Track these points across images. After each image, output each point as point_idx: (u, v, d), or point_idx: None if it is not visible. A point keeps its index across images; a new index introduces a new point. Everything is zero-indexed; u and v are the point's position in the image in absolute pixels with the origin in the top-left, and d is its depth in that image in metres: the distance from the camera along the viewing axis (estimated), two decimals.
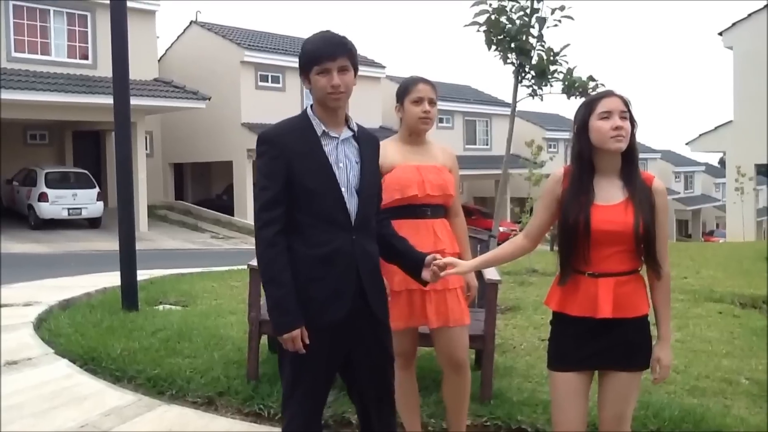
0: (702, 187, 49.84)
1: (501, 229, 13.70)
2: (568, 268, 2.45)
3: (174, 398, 4.10)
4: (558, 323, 2.53)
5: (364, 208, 2.47)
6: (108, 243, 14.66)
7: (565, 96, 10.09)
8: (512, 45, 9.55)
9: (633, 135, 2.42)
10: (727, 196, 24.57)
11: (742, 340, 5.52)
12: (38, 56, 18.64)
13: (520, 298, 6.94)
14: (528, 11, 9.46)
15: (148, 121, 20.92)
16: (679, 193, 45.02)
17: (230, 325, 5.51)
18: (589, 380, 2.50)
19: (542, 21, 9.51)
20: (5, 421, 3.70)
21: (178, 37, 26.66)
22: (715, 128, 23.43)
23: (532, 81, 9.92)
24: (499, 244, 2.86)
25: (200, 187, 28.30)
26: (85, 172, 19.59)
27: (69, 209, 18.24)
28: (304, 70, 2.46)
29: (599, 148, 2.41)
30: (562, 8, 9.40)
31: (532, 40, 9.58)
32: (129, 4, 8.43)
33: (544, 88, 10.00)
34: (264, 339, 4.31)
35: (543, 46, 9.69)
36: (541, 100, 10.13)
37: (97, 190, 18.89)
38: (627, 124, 2.39)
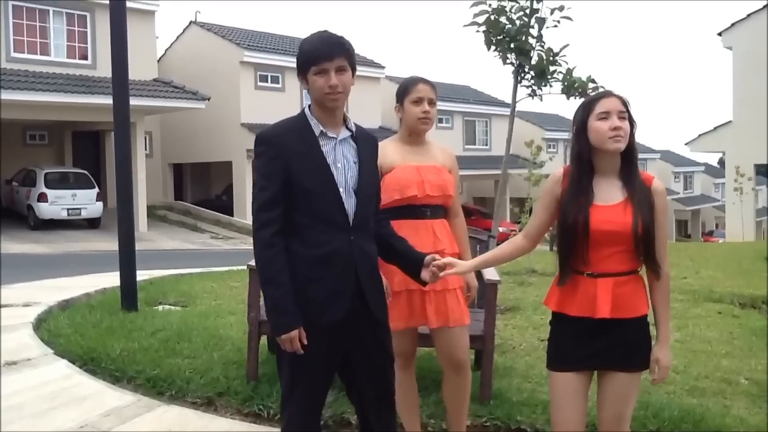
0: (701, 187, 49.86)
1: (500, 229, 13.70)
2: (567, 268, 2.45)
3: (173, 399, 4.10)
4: (557, 323, 2.53)
5: (362, 208, 2.47)
6: (107, 243, 14.66)
7: (564, 96, 10.10)
8: (512, 45, 9.56)
9: (632, 135, 2.42)
10: (727, 197, 24.59)
11: (742, 340, 5.52)
12: (38, 56, 18.64)
13: (520, 298, 6.94)
14: (527, 12, 9.47)
15: (148, 121, 20.92)
16: (679, 193, 45.04)
17: (230, 326, 5.51)
18: (588, 380, 2.50)
19: (541, 21, 9.52)
20: (5, 422, 3.70)
21: (177, 37, 26.66)
22: (715, 128, 23.45)
23: (532, 81, 9.93)
24: (498, 245, 2.86)
25: (200, 187, 28.30)
26: (85, 172, 19.58)
27: (68, 209, 18.24)
28: (302, 71, 2.46)
29: (598, 148, 2.41)
30: (561, 8, 9.40)
31: (532, 41, 9.59)
32: (128, 4, 8.43)
33: (543, 88, 10.01)
34: (263, 339, 4.31)
35: (542, 47, 9.70)
36: (541, 100, 10.14)
37: (96, 190, 18.89)
38: (625, 125, 2.39)
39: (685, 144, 25.10)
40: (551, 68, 9.78)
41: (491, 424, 3.65)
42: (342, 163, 2.46)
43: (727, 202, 24.69)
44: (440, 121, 29.28)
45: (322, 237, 2.40)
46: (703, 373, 4.53)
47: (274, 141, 2.42)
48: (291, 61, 23.48)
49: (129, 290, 6.25)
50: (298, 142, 2.42)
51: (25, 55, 18.37)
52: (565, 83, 9.93)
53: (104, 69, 16.55)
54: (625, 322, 2.40)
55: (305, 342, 2.35)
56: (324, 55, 2.39)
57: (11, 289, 7.61)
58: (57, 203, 18.04)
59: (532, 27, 9.51)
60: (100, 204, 18.80)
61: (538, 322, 5.65)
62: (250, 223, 2.47)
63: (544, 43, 9.70)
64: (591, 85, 9.83)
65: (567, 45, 9.80)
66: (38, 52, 18.72)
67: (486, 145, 33.77)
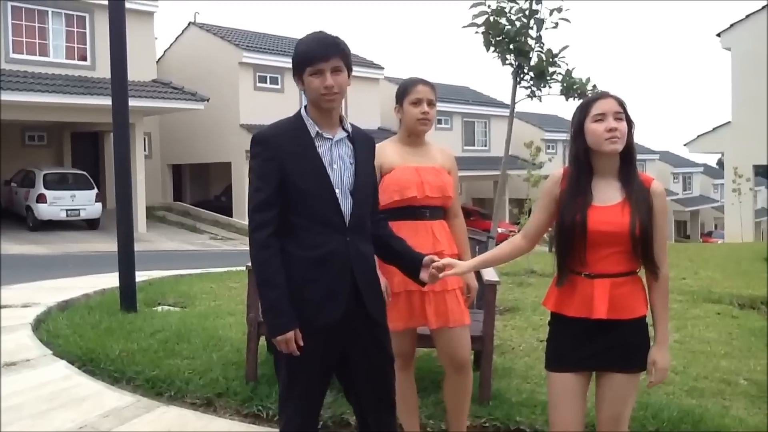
0: (700, 188, 49.90)
1: (499, 230, 13.71)
2: (564, 269, 2.45)
3: (173, 399, 4.10)
4: (555, 324, 2.53)
5: (358, 209, 2.47)
6: (106, 244, 14.66)
7: (563, 97, 10.11)
8: (511, 46, 9.58)
9: (630, 136, 2.43)
10: (726, 197, 24.60)
11: (741, 340, 5.52)
12: (36, 57, 18.64)
13: (519, 299, 6.94)
14: (527, 13, 9.48)
15: (147, 122, 20.92)
16: (678, 194, 45.07)
17: (229, 326, 5.51)
18: (586, 381, 2.50)
19: (540, 22, 9.53)
20: (4, 423, 3.70)
21: (176, 38, 26.67)
22: (714, 129, 23.46)
23: (531, 82, 9.94)
24: (497, 245, 2.86)
25: (199, 188, 28.30)
26: (84, 173, 19.57)
27: (67, 210, 18.23)
28: (297, 72, 2.45)
29: (596, 150, 2.42)
30: (559, 10, 9.42)
31: (531, 42, 9.60)
32: (127, 5, 8.42)
33: (542, 89, 10.02)
34: (263, 340, 4.31)
35: (542, 48, 9.71)
36: (540, 101, 10.16)
37: (95, 191, 18.88)
38: (622, 125, 2.39)
39: (684, 145, 25.13)
40: (550, 69, 9.80)
41: (490, 425, 3.65)
42: (338, 164, 2.46)
43: (726, 203, 24.69)
44: (439, 121, 29.28)
45: (318, 238, 2.40)
46: (702, 373, 4.53)
47: (270, 142, 2.42)
48: (290, 62, 22.91)
49: (128, 291, 6.25)
50: (293, 143, 2.41)
51: (24, 56, 18.37)
52: (564, 84, 9.94)
53: (103, 70, 16.55)
54: (623, 323, 2.40)
55: (301, 343, 2.35)
56: (319, 56, 2.39)
57: (10, 290, 7.60)
58: (56, 204, 18.02)
59: (531, 28, 9.53)
60: (99, 205, 18.79)
61: (537, 322, 5.66)
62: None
63: (543, 44, 9.72)
64: (590, 85, 9.85)
65: (567, 46, 9.82)
66: (37, 53, 18.72)
67: (485, 146, 33.79)
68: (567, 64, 9.93)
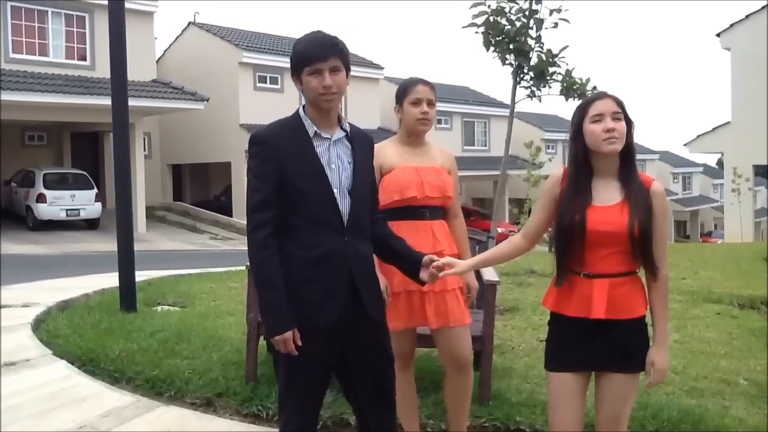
0: (700, 188, 49.91)
1: (499, 230, 13.72)
2: (563, 268, 2.45)
3: (172, 399, 4.10)
4: (555, 324, 2.53)
5: (356, 208, 2.46)
6: (106, 244, 14.66)
7: (563, 97, 10.12)
8: (511, 46, 9.58)
9: (630, 135, 2.43)
10: (725, 197, 24.60)
11: (741, 340, 5.52)
12: (36, 57, 18.64)
13: (519, 299, 6.94)
14: (526, 13, 9.49)
15: (147, 122, 20.92)
16: (678, 194, 45.08)
17: (229, 326, 5.51)
18: (586, 381, 2.50)
19: (540, 22, 9.54)
20: (4, 423, 3.70)
21: (176, 38, 26.67)
22: (713, 129, 23.46)
23: (531, 82, 9.95)
24: (497, 245, 2.86)
25: (198, 188, 28.30)
26: (84, 173, 19.57)
27: (67, 210, 18.23)
28: (296, 71, 2.45)
29: (595, 150, 2.42)
30: (558, 10, 9.43)
31: (531, 42, 9.61)
32: (127, 5, 8.42)
33: (542, 89, 10.03)
34: (262, 340, 4.31)
35: (542, 48, 9.72)
36: (540, 101, 10.17)
37: (95, 191, 18.88)
38: (620, 125, 2.39)
39: (684, 145, 25.14)
40: (550, 69, 9.81)
41: (490, 425, 3.65)
42: (336, 163, 2.46)
43: (725, 203, 24.69)
44: (439, 121, 29.28)
45: (317, 238, 2.40)
46: (702, 373, 4.53)
47: (268, 142, 2.42)
48: (290, 62, 23.40)
49: (128, 291, 6.25)
50: (292, 143, 2.41)
51: (24, 56, 18.37)
52: (564, 84, 9.95)
53: (103, 70, 16.55)
54: (623, 323, 2.40)
55: (299, 343, 2.35)
56: (317, 56, 2.38)
57: (10, 290, 7.60)
58: (56, 204, 18.02)
59: (531, 28, 9.54)
60: (98, 205, 18.79)
61: (537, 322, 5.66)
62: None
63: (543, 44, 9.73)
64: (590, 86, 9.86)
65: (566, 46, 9.83)
66: (37, 53, 18.72)
67: (485, 145, 33.80)
68: (567, 64, 9.95)
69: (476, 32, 9.67)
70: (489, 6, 9.54)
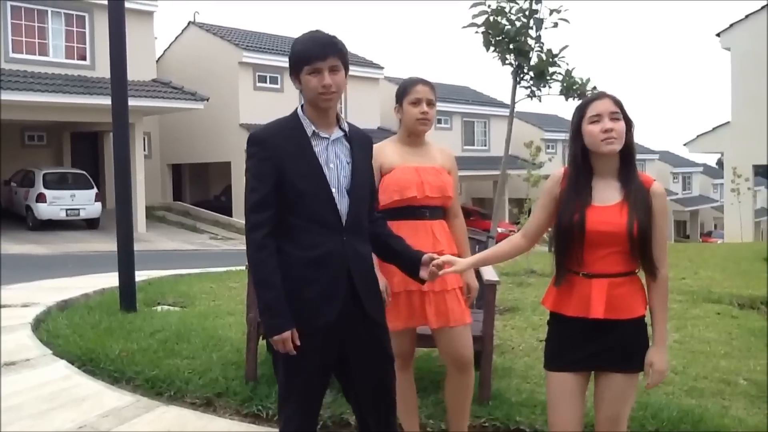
0: (700, 187, 49.91)
1: (499, 230, 13.72)
2: (562, 268, 2.46)
3: (172, 399, 4.10)
4: (555, 323, 2.53)
5: (355, 208, 2.46)
6: (106, 244, 14.66)
7: (563, 97, 10.13)
8: (511, 46, 9.59)
9: (630, 135, 2.42)
10: (725, 197, 24.59)
11: (741, 340, 5.52)
12: (36, 57, 18.64)
13: (519, 299, 6.94)
14: (527, 12, 9.50)
15: (146, 122, 20.92)
16: (677, 193, 45.09)
17: (229, 326, 5.51)
18: (585, 381, 2.50)
19: (539, 22, 9.54)
20: (4, 423, 3.70)
21: (176, 37, 26.67)
22: (713, 129, 23.47)
23: (531, 82, 9.96)
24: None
25: (198, 188, 28.30)
26: (83, 172, 19.57)
27: (67, 210, 18.23)
28: (294, 71, 2.45)
29: (593, 151, 2.42)
30: (558, 10, 9.43)
31: (531, 42, 9.62)
32: (127, 4, 8.42)
33: (542, 89, 10.03)
34: (262, 340, 4.31)
35: (541, 48, 9.72)
36: (540, 101, 10.17)
37: (95, 190, 18.88)
38: (619, 125, 2.38)
39: (684, 145, 25.14)
40: (550, 69, 9.81)
41: (490, 425, 3.65)
42: (334, 163, 2.45)
43: (725, 203, 24.69)
44: (439, 121, 29.28)
45: (316, 239, 2.39)
46: (702, 373, 4.53)
47: (266, 142, 2.41)
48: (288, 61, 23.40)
49: (128, 291, 6.25)
50: (290, 143, 2.40)
51: (24, 56, 18.37)
52: (564, 84, 9.96)
53: (103, 69, 16.55)
54: (622, 323, 2.39)
55: (298, 343, 2.35)
56: (317, 55, 2.38)
57: (10, 290, 7.60)
58: (56, 204, 18.02)
59: (531, 28, 9.54)
60: (98, 204, 18.79)
61: (537, 322, 5.65)
62: None
63: (543, 44, 9.73)
64: (590, 86, 9.87)
65: (566, 46, 9.85)
66: (37, 53, 18.72)
67: (485, 145, 33.80)
68: (567, 64, 9.96)
69: (476, 32, 9.68)
70: (489, 6, 9.54)
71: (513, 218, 23.75)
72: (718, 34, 22.86)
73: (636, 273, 2.44)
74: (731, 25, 22.55)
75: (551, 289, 2.52)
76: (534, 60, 9.74)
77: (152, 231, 19.56)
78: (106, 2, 6.81)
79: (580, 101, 2.52)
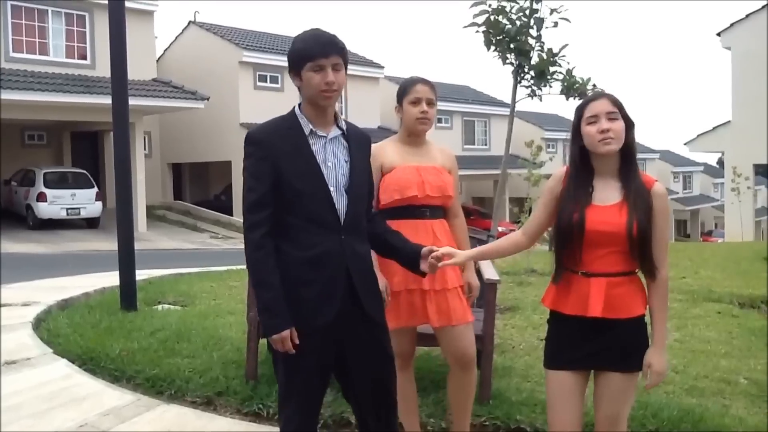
0: (700, 187, 49.90)
1: (500, 229, 13.71)
2: (561, 267, 2.46)
3: (173, 398, 4.10)
4: (554, 322, 2.53)
5: (353, 207, 2.45)
6: (106, 243, 14.66)
7: (563, 96, 10.13)
8: (511, 45, 9.59)
9: (630, 135, 2.42)
10: (726, 197, 24.59)
11: (741, 340, 5.52)
12: (36, 56, 18.63)
13: (519, 298, 6.94)
14: (527, 12, 9.50)
15: (147, 121, 20.91)
16: (678, 193, 45.08)
17: (229, 326, 5.51)
18: (584, 380, 2.50)
19: (540, 22, 9.54)
20: (4, 422, 3.70)
21: (176, 37, 26.66)
22: (714, 128, 23.47)
23: (531, 81, 9.96)
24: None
25: (199, 187, 28.30)
26: (84, 172, 19.57)
27: (67, 209, 18.22)
28: (295, 67, 2.43)
29: (592, 151, 2.42)
30: (558, 10, 9.44)
31: (531, 41, 9.62)
32: (127, 4, 8.42)
33: (543, 88, 10.03)
34: (263, 339, 4.31)
35: (542, 47, 9.72)
36: (540, 100, 10.17)
37: (95, 190, 18.87)
38: (616, 125, 2.38)
39: (684, 144, 25.14)
40: (551, 69, 9.81)
41: (491, 424, 3.65)
42: (332, 162, 2.45)
43: (726, 202, 24.69)
44: (439, 121, 29.28)
45: (314, 238, 2.39)
46: (702, 372, 4.53)
47: (263, 141, 2.40)
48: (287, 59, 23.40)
49: (128, 290, 6.25)
50: (287, 142, 2.40)
51: (24, 55, 18.36)
52: (565, 84, 9.96)
53: (103, 69, 16.56)
54: (621, 322, 2.39)
55: (297, 342, 2.35)
56: (320, 52, 2.38)
57: (10, 289, 7.60)
58: (56, 203, 18.02)
59: (532, 27, 9.54)
60: (99, 204, 18.79)
61: (537, 321, 5.66)
62: None
63: (544, 43, 9.73)
64: (590, 85, 9.86)
65: (566, 45, 9.85)
66: (37, 52, 18.71)
67: (485, 145, 33.79)
68: (568, 64, 9.95)
69: (477, 31, 9.67)
70: (489, 5, 9.54)
71: (513, 217, 23.71)
72: (718, 34, 22.85)
73: (636, 273, 2.44)
74: (732, 25, 22.54)
75: (551, 288, 2.52)
76: (534, 59, 9.74)
77: (153, 230, 19.56)
78: (106, 2, 6.81)
79: (580, 102, 2.53)
